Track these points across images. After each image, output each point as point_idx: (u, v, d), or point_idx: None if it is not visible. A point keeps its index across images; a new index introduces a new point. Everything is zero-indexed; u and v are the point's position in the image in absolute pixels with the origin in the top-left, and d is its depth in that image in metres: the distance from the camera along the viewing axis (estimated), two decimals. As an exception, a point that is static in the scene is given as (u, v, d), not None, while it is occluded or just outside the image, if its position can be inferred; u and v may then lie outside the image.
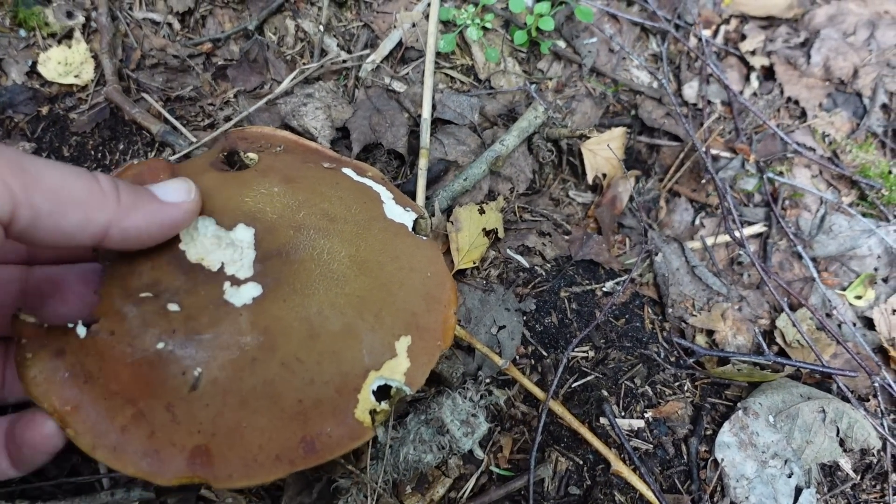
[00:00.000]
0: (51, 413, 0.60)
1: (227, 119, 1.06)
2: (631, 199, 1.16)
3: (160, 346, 0.65)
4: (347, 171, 0.94)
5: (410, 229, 0.89)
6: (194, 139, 1.00)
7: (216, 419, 0.64)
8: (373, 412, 0.71)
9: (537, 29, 1.14)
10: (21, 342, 0.62)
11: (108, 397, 0.61)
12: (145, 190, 0.65)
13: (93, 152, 1.03)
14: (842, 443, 0.96)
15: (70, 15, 1.09)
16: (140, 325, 0.66)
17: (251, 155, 0.92)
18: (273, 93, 1.00)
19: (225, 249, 0.75)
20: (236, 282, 0.72)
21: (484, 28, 1.11)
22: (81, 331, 0.64)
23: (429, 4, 1.14)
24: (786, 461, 0.93)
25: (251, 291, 0.72)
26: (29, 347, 0.62)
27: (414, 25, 1.13)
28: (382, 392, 0.74)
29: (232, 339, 0.67)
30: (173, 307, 0.68)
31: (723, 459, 0.92)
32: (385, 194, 0.93)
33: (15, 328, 0.63)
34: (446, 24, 1.15)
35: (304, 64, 1.11)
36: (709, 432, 0.97)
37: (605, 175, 1.16)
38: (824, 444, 0.94)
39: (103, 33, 1.06)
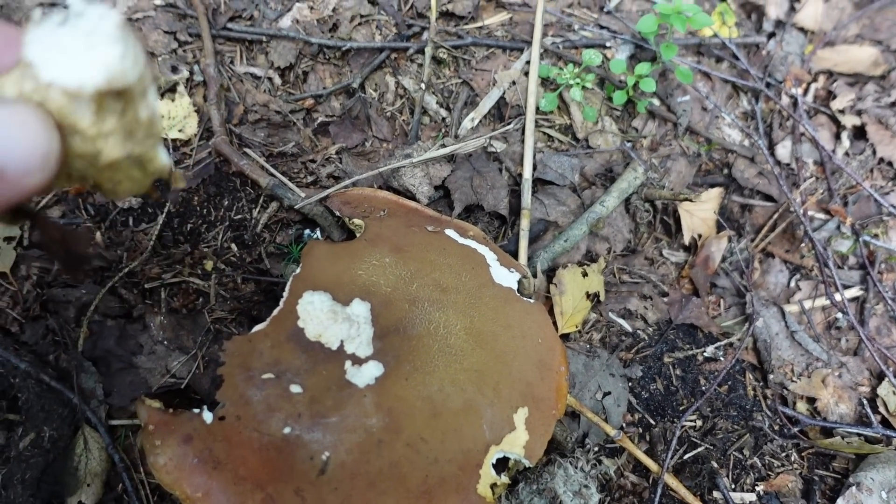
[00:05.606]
0: (183, 500, 0.60)
1: (330, 176, 1.07)
2: (723, 259, 1.16)
3: (287, 430, 0.65)
4: (450, 232, 0.94)
5: (516, 291, 0.89)
6: (303, 195, 1.01)
7: (345, 503, 0.64)
8: (493, 486, 0.71)
9: (634, 88, 1.14)
10: (148, 429, 0.62)
11: (237, 483, 0.62)
12: None
13: (198, 208, 1.03)
14: (959, 523, 0.94)
15: (175, 69, 1.10)
16: (265, 410, 0.66)
17: (357, 221, 0.92)
18: (388, 165, 1.01)
19: (342, 325, 0.75)
20: (357, 361, 0.73)
21: (583, 87, 1.11)
22: (208, 416, 0.64)
23: (528, 62, 1.15)
24: (902, 541, 0.91)
25: (373, 371, 0.72)
26: (157, 434, 0.63)
27: (514, 83, 1.13)
28: (500, 463, 0.74)
29: (358, 422, 0.67)
30: (296, 389, 0.68)
31: (842, 540, 0.91)
32: (490, 256, 0.93)
33: (141, 414, 0.63)
34: (544, 82, 1.15)
35: (403, 121, 1.12)
36: (820, 507, 0.96)
37: (700, 235, 1.15)
38: (941, 524, 0.93)
39: (211, 84, 1.07)
